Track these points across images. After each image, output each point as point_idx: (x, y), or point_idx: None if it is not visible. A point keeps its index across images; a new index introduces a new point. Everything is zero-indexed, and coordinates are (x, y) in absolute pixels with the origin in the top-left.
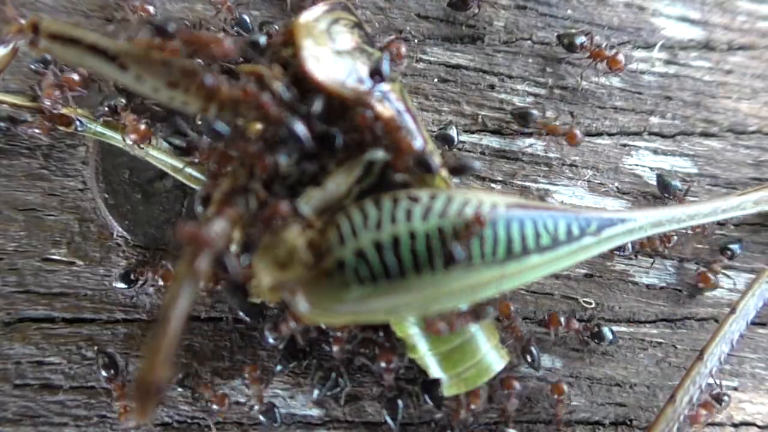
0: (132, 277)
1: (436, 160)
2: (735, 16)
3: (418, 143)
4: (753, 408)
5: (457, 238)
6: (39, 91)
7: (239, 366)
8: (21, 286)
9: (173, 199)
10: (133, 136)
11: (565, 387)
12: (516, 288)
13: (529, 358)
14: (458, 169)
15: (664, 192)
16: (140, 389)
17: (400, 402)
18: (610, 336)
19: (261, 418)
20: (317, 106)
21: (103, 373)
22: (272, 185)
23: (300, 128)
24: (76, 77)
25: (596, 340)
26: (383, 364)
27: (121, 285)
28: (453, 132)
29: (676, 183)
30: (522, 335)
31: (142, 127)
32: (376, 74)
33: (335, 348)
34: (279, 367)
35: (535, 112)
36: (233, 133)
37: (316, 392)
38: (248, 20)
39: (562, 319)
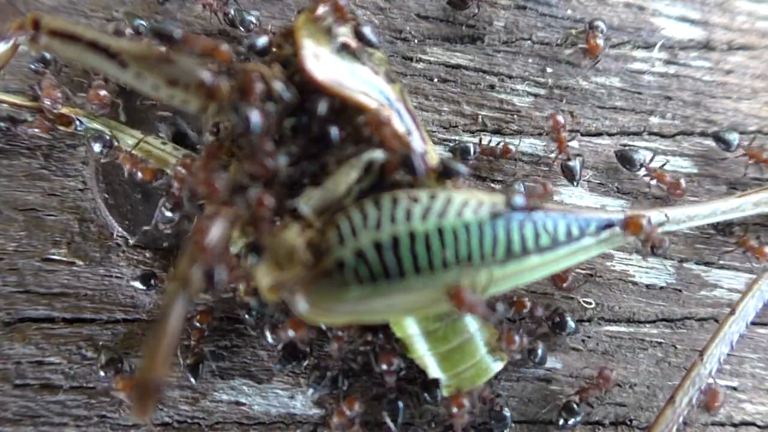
0: (152, 282)
1: (424, 162)
2: (735, 16)
3: (416, 144)
4: (753, 408)
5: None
6: (39, 91)
7: (239, 366)
8: (21, 286)
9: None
10: (140, 175)
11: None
12: (516, 288)
13: (534, 357)
14: (445, 174)
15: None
16: (139, 388)
17: (400, 404)
18: (572, 326)
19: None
20: (322, 108)
21: (101, 373)
22: (272, 185)
23: (255, 118)
24: (103, 93)
25: (557, 330)
26: (384, 366)
27: (139, 285)
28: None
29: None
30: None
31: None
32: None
33: (334, 347)
34: (278, 367)
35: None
36: (234, 132)
37: (311, 391)
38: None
39: (528, 304)
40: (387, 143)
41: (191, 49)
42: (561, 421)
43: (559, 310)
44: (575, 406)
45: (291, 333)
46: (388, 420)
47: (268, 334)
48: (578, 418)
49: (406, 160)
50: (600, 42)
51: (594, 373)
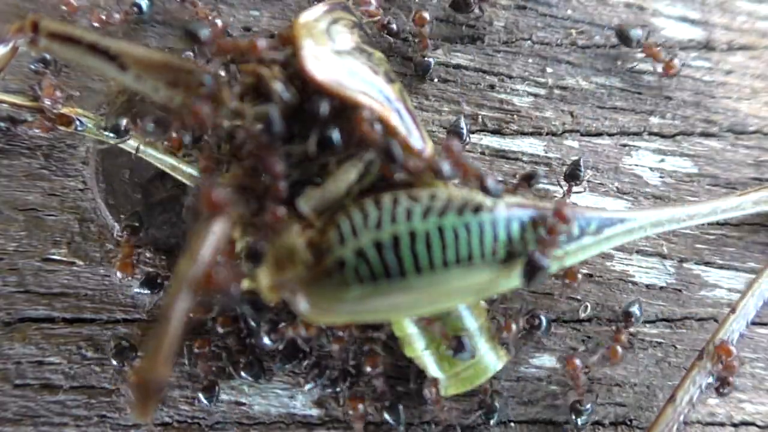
0: (158, 281)
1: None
2: (735, 16)
3: (416, 144)
4: (753, 408)
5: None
6: (39, 91)
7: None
8: (21, 286)
9: (173, 199)
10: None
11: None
12: (515, 288)
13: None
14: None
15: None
16: (141, 388)
17: (401, 406)
18: (544, 326)
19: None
20: (324, 109)
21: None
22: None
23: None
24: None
25: (534, 330)
26: (368, 369)
27: (145, 290)
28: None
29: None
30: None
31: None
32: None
33: (335, 347)
34: (278, 367)
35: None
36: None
37: (308, 386)
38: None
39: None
40: (366, 136)
41: (220, 50)
42: (573, 420)
43: (536, 313)
44: (579, 405)
45: (303, 332)
46: (392, 421)
47: (265, 338)
48: (586, 417)
49: (386, 150)
50: None
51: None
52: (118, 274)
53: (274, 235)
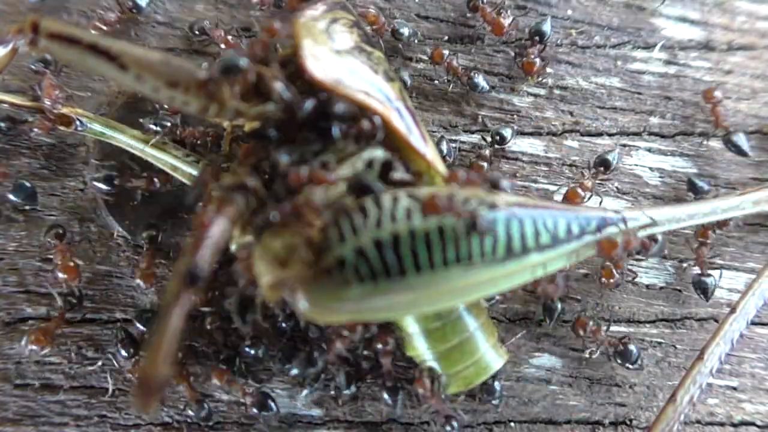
0: None
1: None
2: (735, 16)
3: (416, 143)
4: (753, 408)
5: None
6: (39, 91)
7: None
8: (21, 286)
9: (173, 199)
10: None
11: None
12: (516, 287)
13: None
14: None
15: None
16: (142, 385)
17: (401, 390)
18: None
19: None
20: (309, 106)
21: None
22: (272, 183)
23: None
24: None
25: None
26: (380, 346)
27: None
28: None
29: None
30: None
31: None
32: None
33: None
34: (278, 367)
35: None
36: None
37: (305, 392)
38: None
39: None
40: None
41: None
42: None
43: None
44: None
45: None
46: (387, 398)
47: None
48: None
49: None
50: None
51: None
52: (141, 283)
53: (277, 232)
